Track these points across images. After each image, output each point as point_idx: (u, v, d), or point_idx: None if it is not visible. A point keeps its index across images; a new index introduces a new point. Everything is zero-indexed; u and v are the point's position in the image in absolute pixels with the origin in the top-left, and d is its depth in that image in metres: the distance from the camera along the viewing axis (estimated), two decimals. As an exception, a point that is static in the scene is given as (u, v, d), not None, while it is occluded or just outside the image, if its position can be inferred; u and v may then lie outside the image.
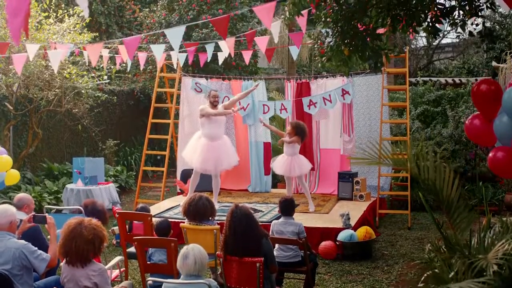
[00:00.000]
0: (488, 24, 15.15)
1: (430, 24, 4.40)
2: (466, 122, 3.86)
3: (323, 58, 4.47)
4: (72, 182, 9.90)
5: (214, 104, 8.15)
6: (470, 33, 4.32)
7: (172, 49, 6.29)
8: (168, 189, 11.17)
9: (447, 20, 4.31)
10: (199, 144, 8.18)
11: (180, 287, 3.88)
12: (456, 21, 4.41)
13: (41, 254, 4.30)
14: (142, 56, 8.34)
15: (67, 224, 4.00)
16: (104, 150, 12.36)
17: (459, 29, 4.49)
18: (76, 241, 3.87)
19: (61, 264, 4.14)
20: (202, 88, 9.84)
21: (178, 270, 4.07)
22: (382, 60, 4.29)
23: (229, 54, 7.32)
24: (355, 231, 7.07)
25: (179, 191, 10.25)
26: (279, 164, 8.31)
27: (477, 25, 4.18)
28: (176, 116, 10.38)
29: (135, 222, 6.16)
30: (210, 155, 8.04)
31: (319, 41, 4.45)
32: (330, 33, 4.38)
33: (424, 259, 4.92)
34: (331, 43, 4.36)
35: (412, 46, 19.17)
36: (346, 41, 4.31)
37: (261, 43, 6.52)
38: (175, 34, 5.41)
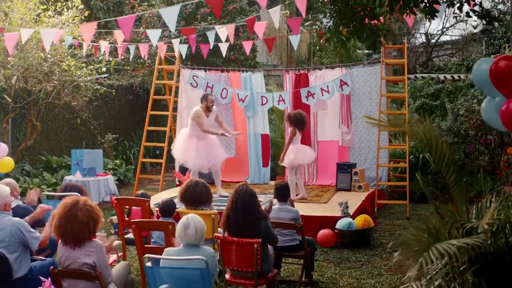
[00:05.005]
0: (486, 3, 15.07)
1: (427, 4, 4.40)
2: (502, 107, 3.73)
3: (322, 39, 4.47)
4: (70, 174, 9.91)
5: (209, 110, 8.41)
6: (467, 14, 4.32)
7: (170, 37, 6.27)
8: (167, 183, 11.15)
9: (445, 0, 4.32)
10: (191, 144, 8.42)
11: (178, 264, 3.88)
12: (454, 1, 4.42)
13: (35, 233, 4.41)
14: (144, 47, 8.36)
15: (63, 203, 4.00)
16: (103, 144, 12.34)
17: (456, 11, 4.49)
18: (71, 224, 3.87)
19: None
20: (198, 82, 9.88)
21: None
22: (380, 40, 4.29)
23: (228, 49, 7.36)
24: (353, 219, 7.06)
25: (177, 182, 10.23)
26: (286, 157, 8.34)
27: (474, 5, 4.16)
28: (175, 108, 10.37)
29: (133, 208, 6.15)
30: (202, 153, 8.39)
31: (317, 22, 4.45)
32: (328, 14, 4.38)
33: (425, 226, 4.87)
34: (328, 24, 4.37)
35: (411, 45, 19.20)
36: (344, 22, 4.32)
37: (259, 29, 6.51)
38: (170, 13, 5.39)
